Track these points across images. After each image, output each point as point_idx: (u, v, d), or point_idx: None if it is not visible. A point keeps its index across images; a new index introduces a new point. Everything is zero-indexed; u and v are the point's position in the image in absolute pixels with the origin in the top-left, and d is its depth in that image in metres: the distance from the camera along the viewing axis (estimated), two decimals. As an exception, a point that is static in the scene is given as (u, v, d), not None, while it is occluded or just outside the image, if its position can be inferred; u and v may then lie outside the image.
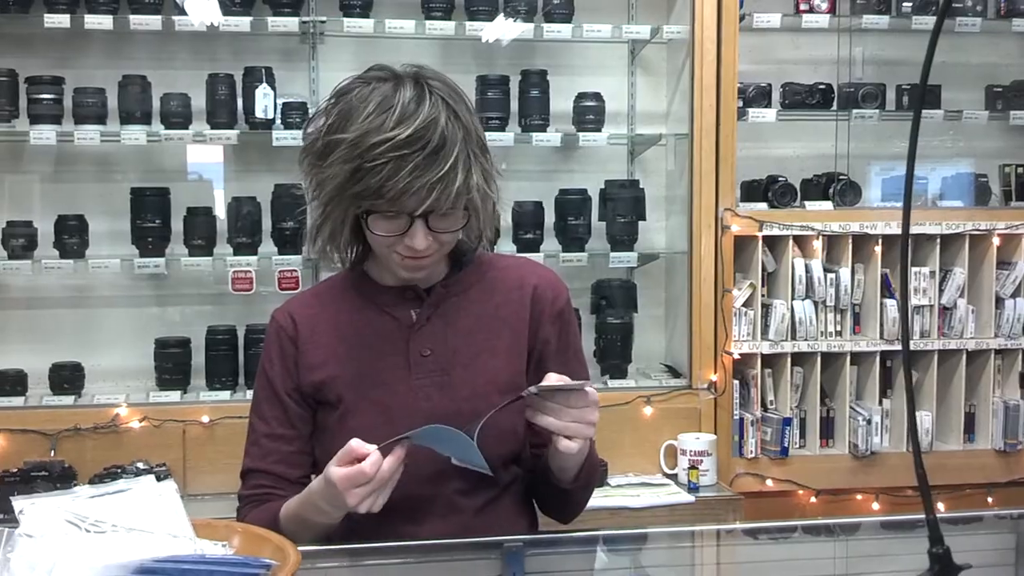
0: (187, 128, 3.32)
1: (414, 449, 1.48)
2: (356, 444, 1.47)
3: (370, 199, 1.53)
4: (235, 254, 3.35)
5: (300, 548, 1.33)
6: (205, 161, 3.50)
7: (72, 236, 3.29)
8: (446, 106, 1.55)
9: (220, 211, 3.40)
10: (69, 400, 3.28)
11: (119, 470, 3.02)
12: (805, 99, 3.58)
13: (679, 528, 1.93)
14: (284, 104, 3.31)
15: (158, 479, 2.93)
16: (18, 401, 3.26)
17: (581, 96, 3.49)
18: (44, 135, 3.24)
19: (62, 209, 3.34)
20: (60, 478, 3.00)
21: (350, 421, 1.64)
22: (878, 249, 3.54)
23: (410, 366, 1.65)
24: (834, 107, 3.62)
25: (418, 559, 1.65)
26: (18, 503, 1.31)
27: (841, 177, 3.59)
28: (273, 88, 3.32)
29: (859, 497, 3.56)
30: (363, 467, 1.45)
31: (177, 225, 3.35)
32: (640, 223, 3.54)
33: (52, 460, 3.09)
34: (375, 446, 1.46)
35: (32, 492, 2.87)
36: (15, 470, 3.02)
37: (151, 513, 1.35)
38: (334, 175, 1.55)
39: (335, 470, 1.47)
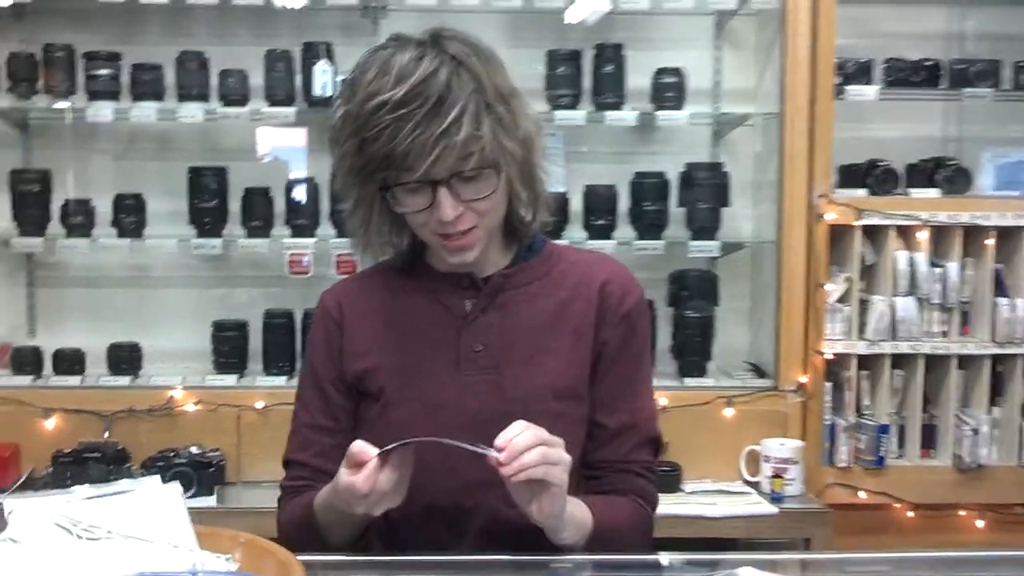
0: (244, 106, 3.30)
1: (455, 457, 1.40)
2: (357, 449, 1.41)
3: (381, 170, 1.49)
4: (292, 236, 3.32)
5: (316, 556, 1.32)
6: (263, 140, 3.47)
7: (130, 215, 3.31)
8: (451, 60, 1.49)
9: (279, 191, 3.34)
10: (125, 381, 3.30)
11: (172, 454, 3.04)
12: (910, 76, 3.35)
13: (760, 555, 1.71)
14: (344, 81, 3.22)
15: (211, 466, 2.98)
16: (74, 381, 3.29)
17: (660, 72, 3.35)
18: (102, 112, 3.26)
19: (120, 188, 3.36)
20: (113, 460, 3.03)
21: (391, 415, 1.59)
22: (990, 242, 3.28)
23: (459, 360, 1.59)
24: (942, 85, 3.37)
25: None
26: (8, 503, 1.26)
27: (950, 162, 3.35)
28: (333, 64, 3.27)
29: (962, 513, 3.31)
30: (355, 483, 1.40)
31: (235, 205, 3.34)
32: (724, 210, 3.37)
33: (106, 441, 3.11)
34: (375, 452, 1.40)
35: (86, 473, 2.96)
36: (68, 451, 3.05)
37: (152, 519, 1.29)
38: (347, 152, 1.52)
39: (339, 476, 1.43)
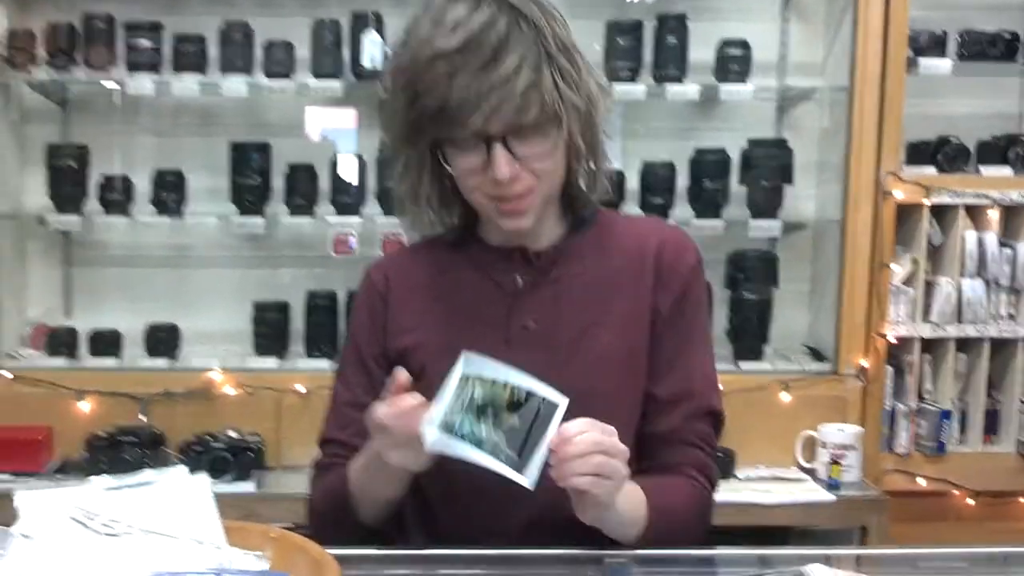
0: (290, 79, 3.19)
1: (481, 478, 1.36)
2: (400, 371, 1.40)
3: (434, 125, 1.42)
4: (337, 215, 3.23)
5: (351, 551, 1.26)
6: (309, 114, 3.37)
7: (170, 192, 3.22)
8: (510, 9, 1.42)
9: (323, 168, 3.24)
10: (163, 363, 3.24)
11: (210, 438, 2.98)
12: (986, 49, 3.21)
13: (812, 550, 1.63)
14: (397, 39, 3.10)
15: (249, 450, 2.92)
16: (111, 362, 3.23)
17: (725, 44, 3.23)
18: (142, 84, 3.16)
19: (160, 163, 3.27)
20: (149, 444, 2.98)
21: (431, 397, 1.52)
22: (1063, 223, 3.17)
23: (509, 340, 1.51)
24: (1020, 59, 3.23)
25: (495, 571, 1.46)
26: (20, 495, 1.18)
27: (1023, 138, 3.21)
28: (382, 35, 3.15)
29: (1022, 500, 3.24)
30: (378, 414, 1.39)
31: (278, 183, 3.25)
32: (786, 189, 3.24)
33: (142, 425, 3.05)
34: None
35: (120, 458, 2.90)
36: (104, 434, 2.99)
37: (177, 512, 1.21)
38: (398, 108, 1.46)
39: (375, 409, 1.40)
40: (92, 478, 1.23)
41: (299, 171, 3.23)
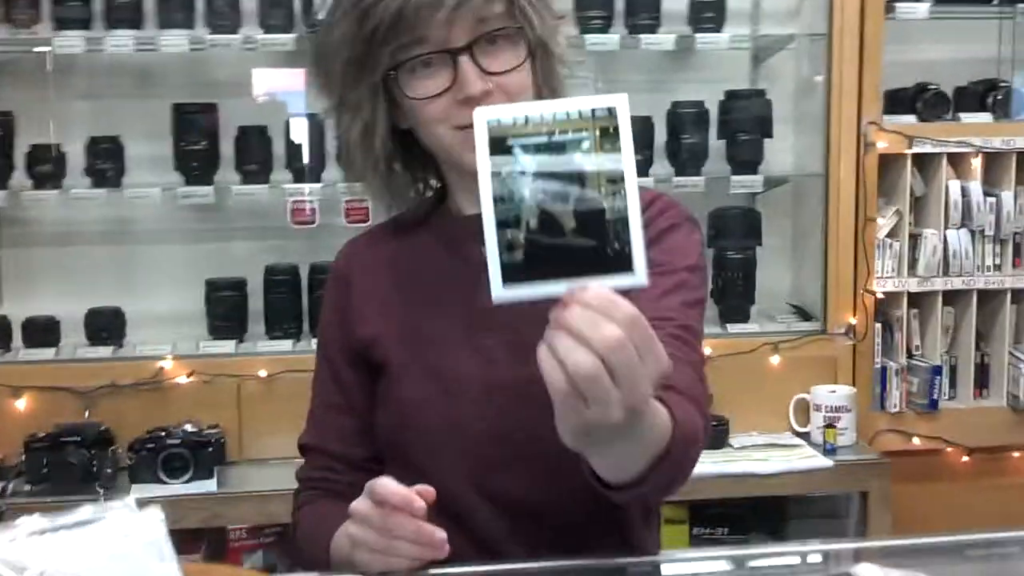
0: (236, 33, 2.95)
1: (469, 441, 1.27)
2: (382, 485, 1.17)
3: (389, 43, 1.27)
4: (295, 181, 3.00)
5: None
6: (258, 72, 3.12)
7: (106, 161, 2.96)
8: None
9: (277, 131, 3.02)
10: (107, 352, 2.97)
11: (164, 433, 2.73)
12: (962, -8, 3.12)
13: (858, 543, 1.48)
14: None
15: (209, 445, 2.67)
16: (48, 353, 2.95)
17: (699, -10, 3.05)
18: (70, 43, 2.89)
19: (94, 130, 3.00)
20: (95, 443, 2.70)
21: (398, 392, 1.38)
22: (1048, 168, 3.10)
23: (472, 323, 1.35)
24: (996, 1, 3.14)
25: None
26: None
27: (1003, 84, 3.13)
28: (337, -17, 2.88)
29: (1016, 455, 3.17)
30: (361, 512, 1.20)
31: (227, 148, 3.01)
32: (766, 142, 3.11)
33: (86, 422, 2.78)
34: (399, 490, 1.17)
35: (62, 460, 2.61)
36: (43, 435, 2.71)
37: (121, 559, 1.01)
38: (342, 37, 1.30)
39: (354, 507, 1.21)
40: (19, 520, 1.01)
41: (250, 134, 3.00)
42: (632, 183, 0.90)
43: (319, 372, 1.48)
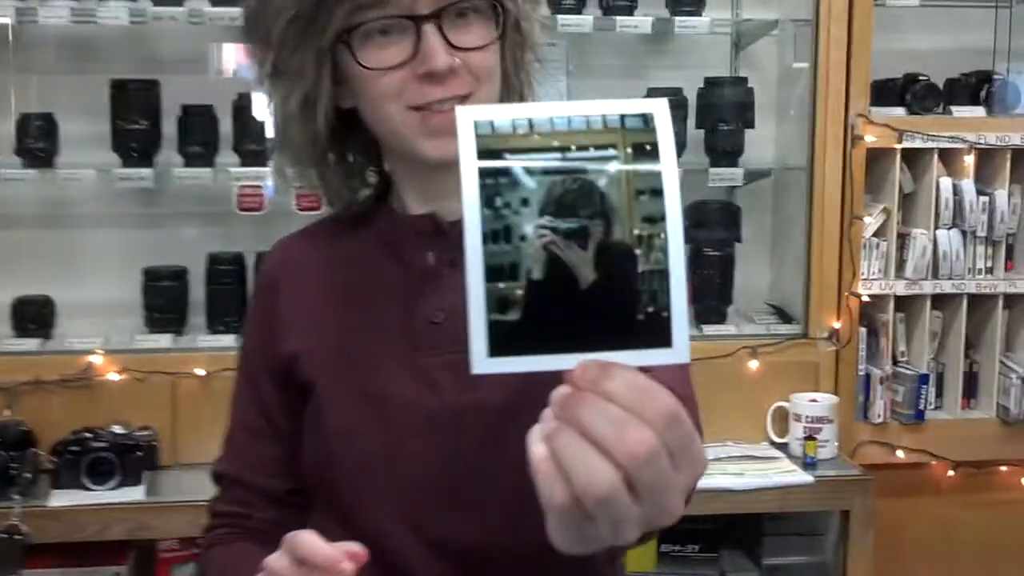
0: (181, 5, 2.76)
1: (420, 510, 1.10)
2: (305, 542, 0.98)
3: (340, 4, 1.08)
4: (242, 165, 2.81)
5: None
6: (204, 47, 2.90)
7: (38, 140, 2.76)
8: None
9: (224, 110, 2.83)
10: (33, 344, 2.75)
11: (90, 435, 2.52)
12: (956, -23, 2.94)
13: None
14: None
15: (139, 448, 2.43)
16: (-31, 345, 2.74)
17: (678, -30, 2.87)
18: (1, 14, 2.70)
19: (25, 106, 2.82)
20: (15, 444, 2.49)
21: (326, 419, 1.19)
22: (1044, 166, 2.93)
23: (414, 338, 1.17)
24: (993, -13, 2.98)
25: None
26: None
27: (997, 76, 2.95)
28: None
29: (1003, 469, 3.00)
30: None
31: (169, 127, 2.81)
32: (747, 132, 2.93)
33: (7, 421, 2.57)
34: (323, 549, 0.97)
35: None
36: (-42, 435, 2.50)
37: None
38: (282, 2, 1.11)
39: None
40: None
41: (195, 114, 2.80)
42: (676, 222, 0.69)
43: (239, 391, 1.30)
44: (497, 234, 0.68)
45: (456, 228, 1.11)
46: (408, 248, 1.20)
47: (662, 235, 0.69)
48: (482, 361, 0.69)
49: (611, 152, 0.69)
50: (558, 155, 0.69)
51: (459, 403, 1.13)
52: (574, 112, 0.71)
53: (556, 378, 0.69)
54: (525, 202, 0.69)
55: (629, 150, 0.70)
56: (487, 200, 0.68)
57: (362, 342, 1.19)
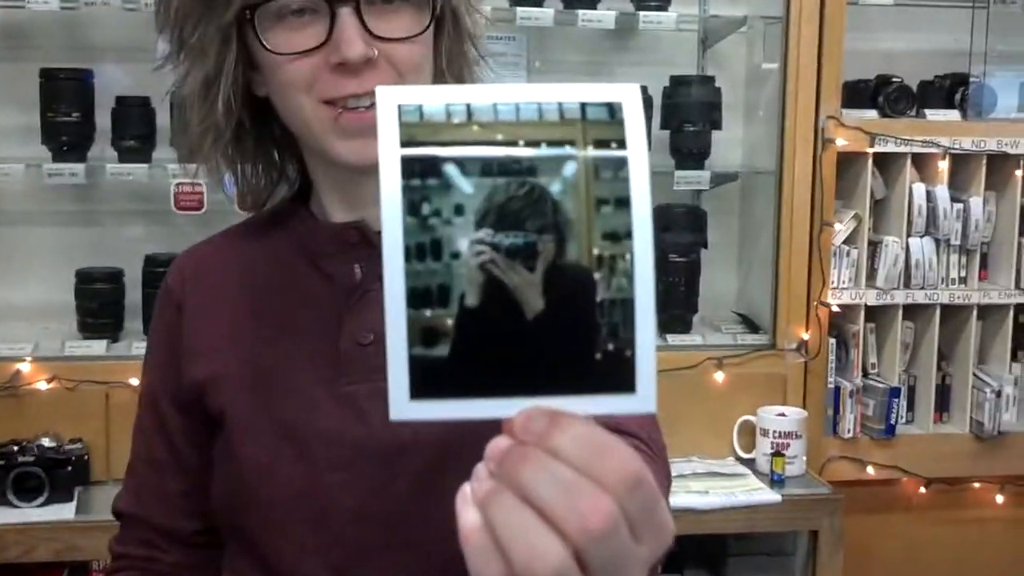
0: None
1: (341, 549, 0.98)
2: None
3: None
4: (180, 160, 2.58)
5: None
6: (140, 35, 2.68)
7: None
8: None
9: (161, 103, 2.60)
10: (-45, 351, 2.59)
11: (16, 448, 2.37)
12: (932, -25, 2.83)
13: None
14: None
15: (69, 463, 2.25)
16: None
17: (643, -38, 2.74)
18: None
19: None
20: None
21: (238, 452, 1.05)
22: (1019, 173, 2.82)
23: (339, 363, 1.04)
24: (971, -14, 2.87)
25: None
26: None
27: (973, 79, 2.83)
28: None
29: (976, 485, 2.89)
30: None
31: (103, 120, 2.63)
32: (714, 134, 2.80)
33: (-78, 436, 2.43)
34: None
35: None
36: None
37: None
38: None
39: None
40: None
41: (130, 105, 2.63)
42: (645, 240, 0.57)
43: (141, 420, 1.17)
44: (423, 249, 0.56)
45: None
46: (332, 260, 1.07)
47: (627, 256, 0.57)
48: (402, 406, 0.56)
49: (568, 150, 0.57)
50: (502, 152, 0.57)
51: (390, 435, 0.99)
52: (524, 98, 0.58)
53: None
54: (459, 210, 0.57)
55: (590, 148, 0.57)
56: (411, 206, 0.56)
57: (280, 366, 1.06)
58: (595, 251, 0.56)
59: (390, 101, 0.56)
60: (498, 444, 0.56)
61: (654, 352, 0.56)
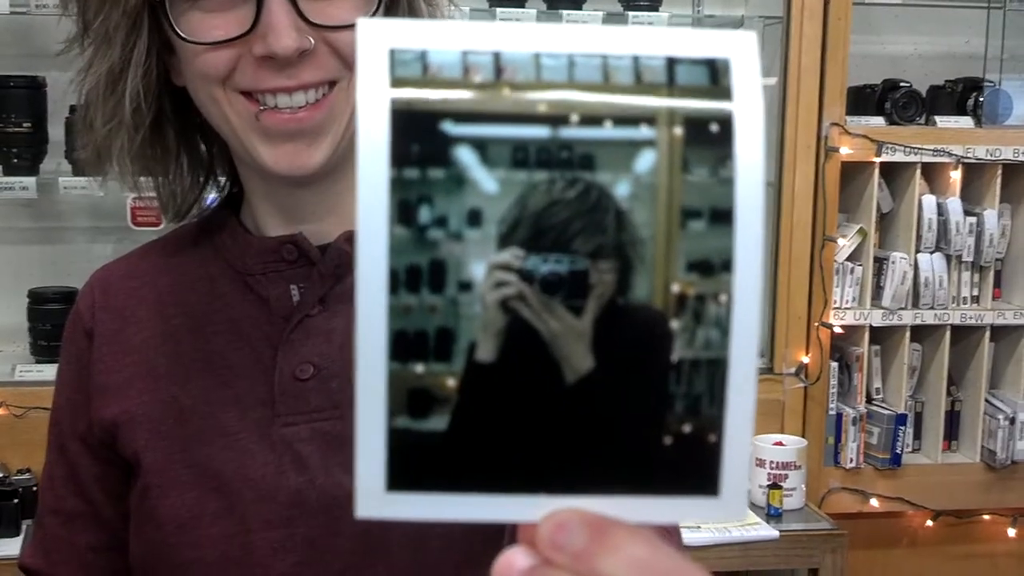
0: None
1: None
2: None
3: None
4: (86, 170, 2.40)
5: None
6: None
7: None
8: None
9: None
10: (-100, 375, 2.44)
11: None
12: (943, -26, 2.61)
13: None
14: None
15: (15, 495, 2.01)
16: None
17: (632, -40, 2.55)
18: None
19: None
20: None
21: (159, 504, 0.91)
22: (1038, 184, 2.59)
23: (275, 399, 0.89)
24: (986, -15, 2.65)
25: None
26: None
27: (987, 84, 2.60)
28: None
29: (987, 518, 2.67)
30: None
31: (56, 132, 2.48)
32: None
33: None
34: None
35: None
36: None
37: None
38: None
39: None
40: None
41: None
42: (752, 276, 0.40)
43: (49, 467, 1.01)
44: (417, 274, 0.39)
45: (330, 255, 0.90)
46: (266, 281, 0.92)
47: (723, 297, 0.40)
48: (374, 498, 0.40)
49: (644, 132, 0.39)
50: (544, 131, 0.39)
51: (333, 485, 0.86)
52: (583, 46, 0.39)
53: None
54: (475, 218, 0.39)
55: (679, 130, 0.39)
56: (402, 210, 0.39)
57: (203, 404, 0.91)
58: (675, 288, 0.40)
59: (377, 43, 0.38)
60: (512, 561, 0.42)
61: (750, 438, 0.40)
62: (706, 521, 0.44)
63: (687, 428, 0.41)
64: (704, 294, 0.40)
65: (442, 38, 0.39)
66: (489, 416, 0.40)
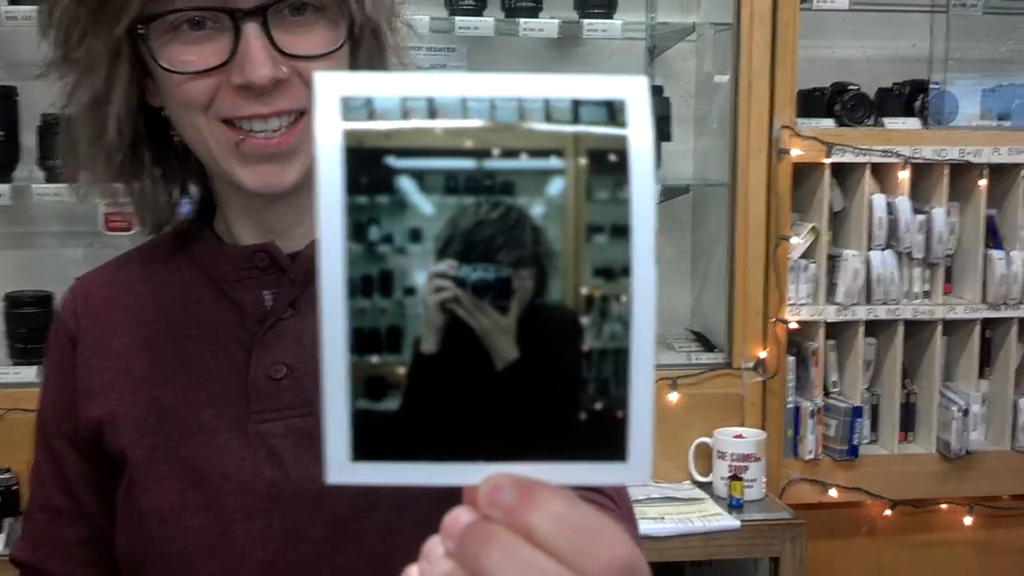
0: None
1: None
2: None
3: None
4: (66, 180, 2.39)
5: None
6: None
7: None
8: None
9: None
10: None
11: None
12: (887, -19, 2.62)
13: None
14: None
15: None
16: None
17: (587, -32, 2.54)
18: None
19: None
20: None
21: (142, 498, 0.94)
22: (983, 183, 2.60)
23: (250, 398, 0.93)
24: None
25: None
26: None
27: (933, 86, 2.63)
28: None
29: (944, 507, 2.66)
30: None
31: (28, 139, 2.45)
32: (664, 146, 2.60)
33: None
34: None
35: None
36: None
37: None
38: None
39: None
40: None
41: (57, 124, 2.39)
42: (647, 279, 0.46)
43: (37, 464, 1.05)
44: (370, 282, 0.46)
45: (299, 262, 0.94)
46: (239, 287, 0.96)
47: (623, 297, 0.46)
48: (341, 467, 0.47)
49: (554, 162, 0.46)
50: (470, 162, 0.45)
51: (307, 478, 0.90)
52: (502, 91, 0.46)
53: None
54: (416, 235, 0.46)
55: (583, 160, 0.46)
56: (356, 229, 0.45)
57: (183, 403, 0.95)
58: (583, 290, 0.46)
59: (331, 92, 0.45)
60: (457, 518, 0.47)
61: (652, 413, 0.46)
62: (615, 483, 0.47)
63: (598, 406, 0.46)
64: (608, 295, 0.46)
65: (385, 87, 0.45)
66: (434, 398, 0.46)
